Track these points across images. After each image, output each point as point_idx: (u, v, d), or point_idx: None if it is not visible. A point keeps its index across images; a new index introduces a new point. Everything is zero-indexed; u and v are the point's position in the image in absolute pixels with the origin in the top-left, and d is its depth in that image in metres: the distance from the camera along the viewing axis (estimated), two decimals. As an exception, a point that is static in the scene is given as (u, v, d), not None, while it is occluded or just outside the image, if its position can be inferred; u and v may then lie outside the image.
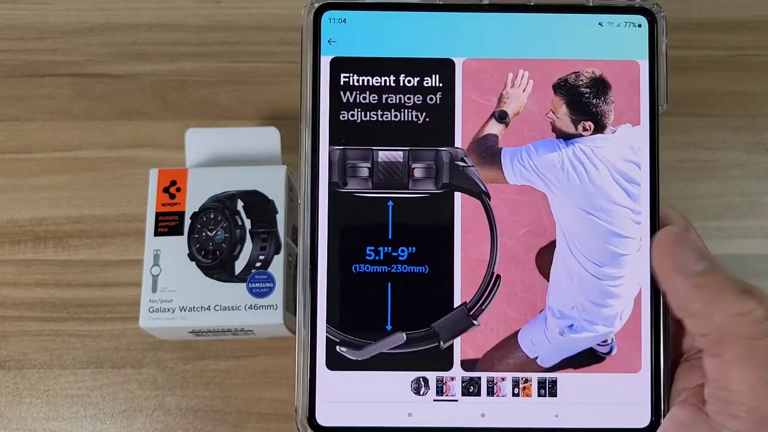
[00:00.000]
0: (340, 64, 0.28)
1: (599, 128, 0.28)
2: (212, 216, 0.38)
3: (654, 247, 0.26)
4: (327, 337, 0.27)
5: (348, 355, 0.27)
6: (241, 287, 0.37)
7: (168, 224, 0.38)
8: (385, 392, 0.27)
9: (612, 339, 0.27)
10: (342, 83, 0.28)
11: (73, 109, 0.46)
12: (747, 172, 0.45)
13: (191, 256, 0.37)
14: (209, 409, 0.41)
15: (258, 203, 0.38)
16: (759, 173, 0.45)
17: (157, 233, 0.38)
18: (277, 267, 0.37)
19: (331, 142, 0.28)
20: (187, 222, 0.38)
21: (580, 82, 0.28)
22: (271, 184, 0.38)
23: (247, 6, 0.48)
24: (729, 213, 0.44)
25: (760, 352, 0.23)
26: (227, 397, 0.41)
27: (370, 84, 0.28)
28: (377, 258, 0.27)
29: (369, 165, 0.28)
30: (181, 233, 0.38)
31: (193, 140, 0.41)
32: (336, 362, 0.27)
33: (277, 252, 0.38)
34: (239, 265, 0.37)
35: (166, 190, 0.38)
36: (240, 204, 0.38)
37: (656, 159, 0.27)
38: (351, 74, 0.28)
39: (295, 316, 0.39)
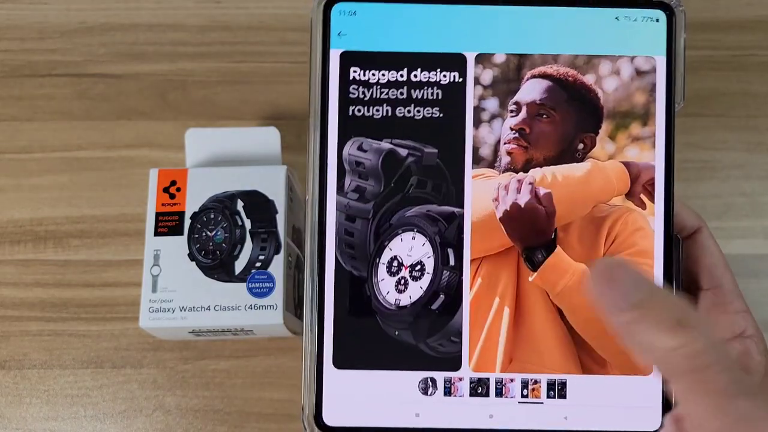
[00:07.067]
0: (349, 58, 0.27)
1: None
2: (212, 216, 0.38)
3: (588, 283, 0.24)
4: (334, 335, 0.27)
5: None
6: (241, 287, 0.37)
7: (168, 224, 0.38)
8: (392, 392, 0.26)
9: None
10: (351, 77, 0.27)
11: (73, 109, 0.46)
12: (748, 172, 0.45)
13: (191, 256, 0.37)
14: (209, 409, 0.41)
15: (258, 203, 0.38)
16: (760, 173, 0.45)
17: (157, 233, 0.38)
18: (277, 267, 0.37)
19: (340, 138, 0.27)
20: (187, 222, 0.38)
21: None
22: (271, 184, 0.38)
23: (247, 6, 0.48)
24: (729, 213, 0.44)
25: (703, 385, 0.22)
26: (227, 397, 0.41)
27: (381, 78, 0.27)
28: None
29: None
30: (181, 233, 0.38)
31: (193, 140, 0.41)
32: (343, 361, 0.27)
33: (277, 252, 0.37)
34: (239, 265, 0.37)
35: (166, 190, 0.38)
36: (240, 204, 0.38)
37: (671, 156, 0.27)
38: (361, 68, 0.27)
39: (295, 316, 0.39)
